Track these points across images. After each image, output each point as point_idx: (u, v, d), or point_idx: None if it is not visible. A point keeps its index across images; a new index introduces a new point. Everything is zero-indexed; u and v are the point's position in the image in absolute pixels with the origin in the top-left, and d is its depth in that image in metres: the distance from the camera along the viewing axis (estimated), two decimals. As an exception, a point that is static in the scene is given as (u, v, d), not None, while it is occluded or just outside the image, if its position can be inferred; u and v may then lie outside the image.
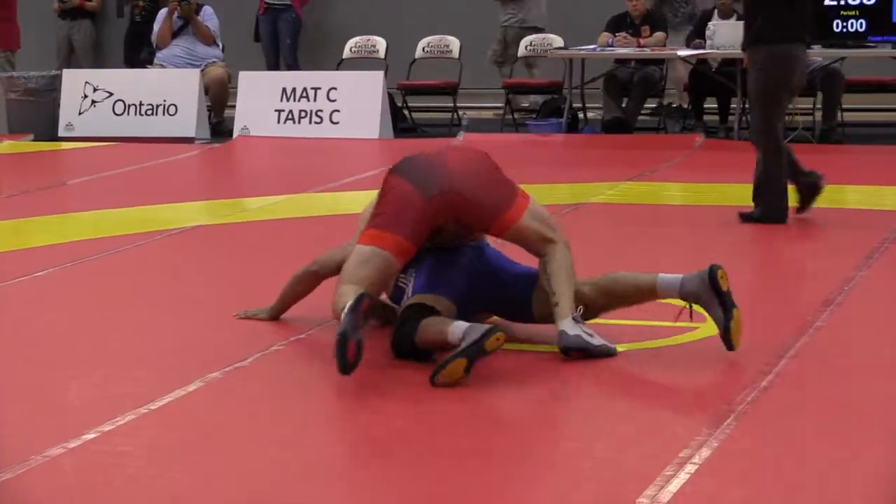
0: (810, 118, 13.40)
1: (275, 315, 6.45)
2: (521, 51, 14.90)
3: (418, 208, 5.65)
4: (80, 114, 14.54)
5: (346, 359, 5.29)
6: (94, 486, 4.51)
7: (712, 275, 5.76)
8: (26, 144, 14.09)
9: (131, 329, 6.55)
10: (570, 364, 5.72)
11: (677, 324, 6.19)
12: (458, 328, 5.49)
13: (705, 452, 4.62)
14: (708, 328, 6.20)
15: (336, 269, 6.03)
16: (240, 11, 16.45)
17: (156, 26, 15.13)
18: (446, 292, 5.84)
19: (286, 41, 15.92)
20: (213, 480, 4.55)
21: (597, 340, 5.75)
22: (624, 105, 13.78)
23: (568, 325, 5.71)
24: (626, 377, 5.62)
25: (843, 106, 13.43)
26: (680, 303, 5.87)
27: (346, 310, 5.31)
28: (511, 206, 5.82)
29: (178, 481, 4.53)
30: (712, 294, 5.75)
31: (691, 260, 7.86)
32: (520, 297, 6.00)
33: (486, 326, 5.50)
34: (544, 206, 6.08)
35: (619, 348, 5.87)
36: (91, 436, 4.92)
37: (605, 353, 5.78)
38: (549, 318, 5.82)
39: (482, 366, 5.50)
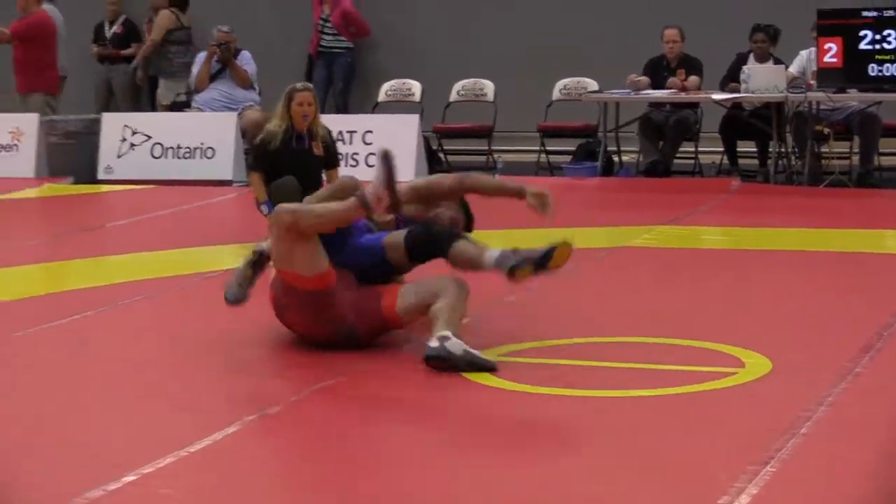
0: (847, 162, 13.39)
1: None
2: (556, 94, 14.94)
3: None
4: (119, 157, 14.62)
5: None
6: (134, 529, 4.53)
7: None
8: (66, 187, 14.19)
9: (170, 372, 6.57)
10: (605, 408, 5.72)
11: (714, 369, 6.20)
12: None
13: (745, 499, 4.60)
14: (746, 374, 6.20)
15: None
16: (284, 55, 16.52)
17: (194, 69, 15.21)
18: None
19: (339, 85, 16.07)
20: (253, 524, 4.57)
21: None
22: (660, 148, 13.78)
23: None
24: (665, 422, 5.61)
25: (881, 150, 13.43)
26: None
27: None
28: None
29: (218, 525, 4.54)
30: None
31: (730, 302, 7.90)
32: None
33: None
34: None
35: (655, 393, 5.88)
36: (131, 478, 4.94)
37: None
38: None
39: (498, 406, 5.48)
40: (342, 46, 16.05)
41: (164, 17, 16.22)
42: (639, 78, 13.70)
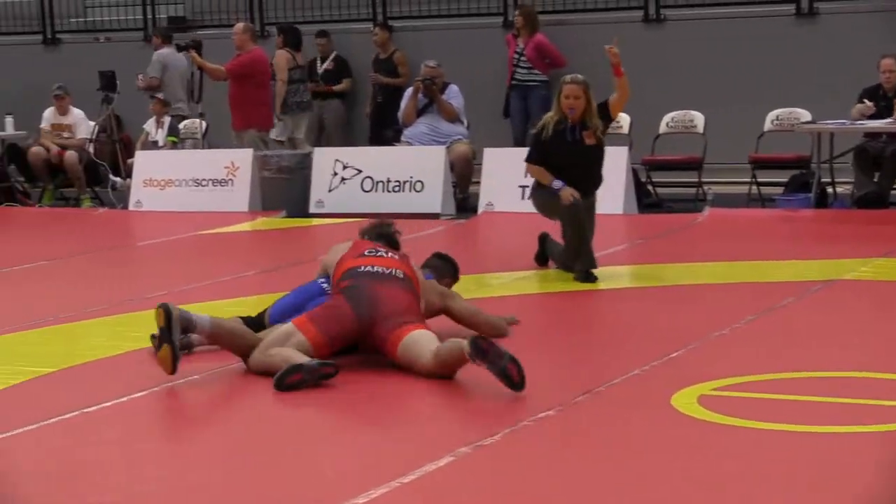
0: None
1: None
2: (767, 125, 14.71)
3: (347, 327, 7.12)
4: (330, 191, 14.88)
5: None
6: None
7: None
8: (279, 221, 14.47)
9: (384, 403, 6.62)
10: (821, 444, 5.59)
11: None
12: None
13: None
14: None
15: None
16: (489, 88, 16.60)
17: (402, 104, 15.42)
18: None
19: (536, 117, 16.04)
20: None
21: None
22: (875, 179, 13.46)
23: None
24: (884, 459, 5.45)
25: None
26: None
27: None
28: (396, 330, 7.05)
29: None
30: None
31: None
32: None
33: None
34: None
35: (874, 429, 5.72)
36: (345, 509, 4.99)
37: None
38: None
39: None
40: (537, 80, 16.06)
41: (283, 58, 16.46)
42: (864, 104, 13.39)
